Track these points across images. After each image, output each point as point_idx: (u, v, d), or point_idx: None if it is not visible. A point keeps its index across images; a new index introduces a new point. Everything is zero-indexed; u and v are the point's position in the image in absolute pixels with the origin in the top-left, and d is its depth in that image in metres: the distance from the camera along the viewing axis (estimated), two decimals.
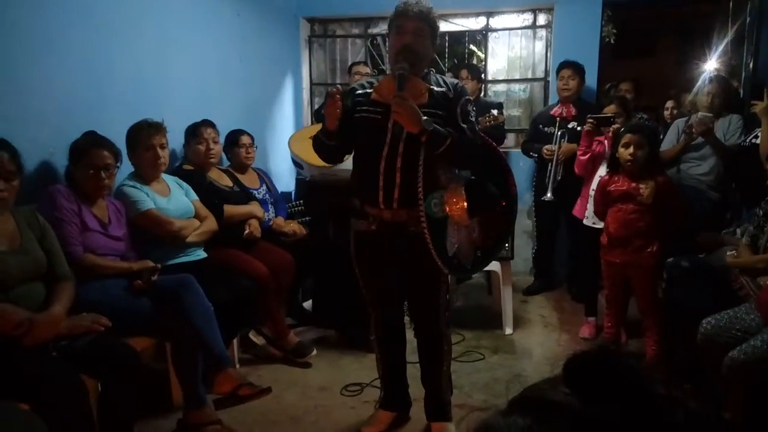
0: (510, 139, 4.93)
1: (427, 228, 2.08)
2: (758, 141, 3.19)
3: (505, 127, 4.37)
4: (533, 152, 4.11)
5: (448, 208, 2.14)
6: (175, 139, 3.11)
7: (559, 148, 3.88)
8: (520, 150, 4.50)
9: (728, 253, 2.74)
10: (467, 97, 2.27)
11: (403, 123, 2.07)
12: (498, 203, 2.31)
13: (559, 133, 3.92)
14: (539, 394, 0.57)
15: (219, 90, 3.76)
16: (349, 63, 5.04)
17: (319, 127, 4.06)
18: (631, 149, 2.87)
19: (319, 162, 3.47)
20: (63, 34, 2.53)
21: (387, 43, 2.44)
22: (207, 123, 3.19)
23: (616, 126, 3.20)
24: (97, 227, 2.38)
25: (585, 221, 3.41)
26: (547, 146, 3.94)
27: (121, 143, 2.59)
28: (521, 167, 4.58)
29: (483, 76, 4.73)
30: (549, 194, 3.88)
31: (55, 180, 2.48)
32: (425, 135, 2.05)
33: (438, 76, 2.30)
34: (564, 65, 4.01)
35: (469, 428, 0.58)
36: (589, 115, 3.33)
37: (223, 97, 3.80)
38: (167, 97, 3.20)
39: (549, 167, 3.90)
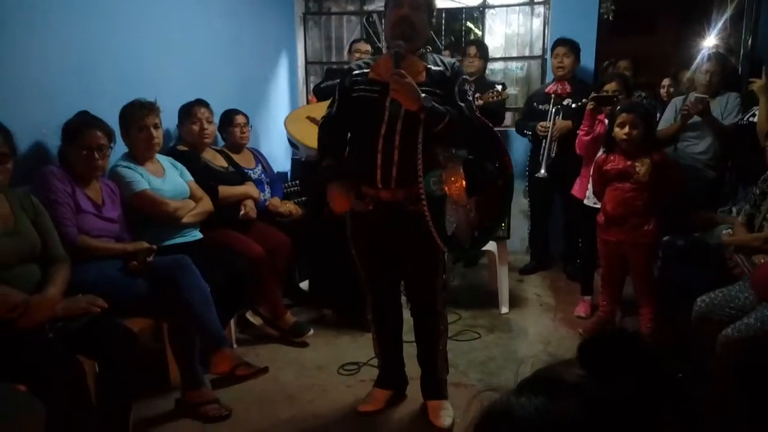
0: (507, 118, 4.89)
1: (427, 206, 2.08)
2: (756, 119, 3.18)
3: (504, 99, 4.33)
4: (527, 130, 4.09)
5: (446, 187, 2.13)
6: (169, 119, 3.09)
7: (554, 125, 3.87)
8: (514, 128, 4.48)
9: (724, 232, 2.74)
10: (465, 76, 2.26)
11: (402, 100, 2.06)
12: (495, 182, 2.30)
13: (553, 110, 3.90)
14: (552, 374, 0.58)
15: (213, 69, 3.71)
16: (345, 40, 4.99)
17: (315, 106, 4.06)
18: (626, 128, 2.86)
19: (313, 142, 3.46)
20: (54, 13, 2.49)
21: (383, 21, 2.42)
22: (201, 102, 3.16)
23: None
24: (90, 209, 2.37)
25: (586, 201, 3.40)
26: (541, 123, 3.93)
27: (114, 123, 2.56)
28: (517, 146, 4.56)
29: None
30: (543, 171, 3.88)
31: (48, 161, 2.46)
32: (424, 112, 2.04)
33: (435, 55, 2.28)
34: (558, 43, 3.97)
35: (481, 407, 0.59)
36: (591, 95, 3.30)
37: (217, 76, 3.76)
38: (160, 76, 3.16)
39: (543, 144, 3.90)
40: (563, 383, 0.56)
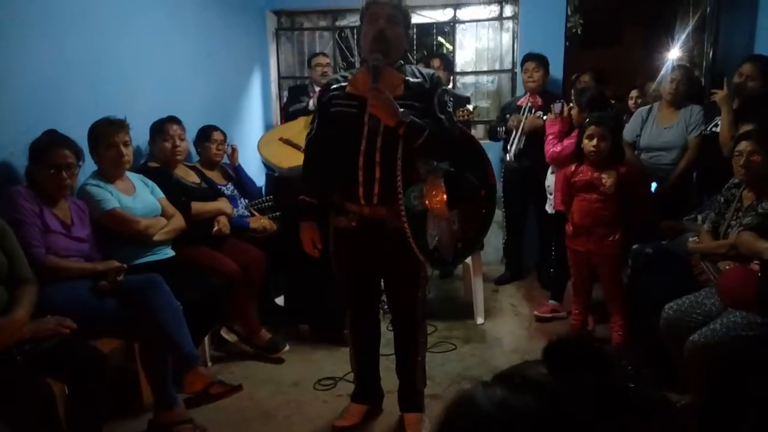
0: (479, 130, 4.96)
1: (408, 222, 2.08)
2: (718, 129, 3.26)
3: (474, 119, 4.43)
4: (500, 127, 4.14)
5: (427, 201, 2.13)
6: (140, 136, 3.07)
7: (526, 118, 3.96)
8: (487, 140, 4.54)
9: (690, 240, 2.80)
10: (444, 87, 2.27)
11: (380, 116, 2.06)
12: (477, 194, 2.32)
13: (528, 105, 3.98)
14: (518, 371, 0.63)
15: (185, 85, 3.70)
16: None
17: (287, 126, 4.08)
18: (594, 141, 2.93)
19: (290, 164, 3.48)
20: (19, 30, 2.47)
21: (356, 36, 2.44)
22: (172, 119, 3.15)
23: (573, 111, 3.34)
24: (59, 228, 2.34)
25: (547, 207, 3.52)
26: (515, 115, 4.03)
27: (83, 142, 2.54)
28: (490, 157, 4.61)
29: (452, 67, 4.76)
30: (510, 156, 3.98)
31: (16, 181, 2.42)
32: (403, 127, 2.05)
33: (413, 67, 2.29)
34: (527, 58, 4.06)
35: (452, 397, 0.64)
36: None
37: (189, 92, 3.75)
38: (131, 93, 3.13)
39: (513, 134, 4.00)
40: (526, 379, 0.61)
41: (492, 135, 4.30)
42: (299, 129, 3.69)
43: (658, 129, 3.60)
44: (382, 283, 2.47)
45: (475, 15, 4.86)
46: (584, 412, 0.56)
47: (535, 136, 3.85)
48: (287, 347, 3.20)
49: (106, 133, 2.61)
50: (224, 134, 3.57)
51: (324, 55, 4.44)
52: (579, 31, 5.55)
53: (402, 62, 2.26)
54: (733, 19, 4.32)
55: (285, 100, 4.55)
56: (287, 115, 4.22)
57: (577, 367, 0.60)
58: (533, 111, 4.00)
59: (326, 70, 4.29)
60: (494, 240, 4.66)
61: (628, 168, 3.02)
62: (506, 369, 0.65)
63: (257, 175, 4.38)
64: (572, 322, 3.33)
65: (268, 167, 3.75)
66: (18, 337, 1.93)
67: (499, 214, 4.61)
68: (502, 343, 3.39)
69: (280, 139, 3.70)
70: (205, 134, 3.52)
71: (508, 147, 4.07)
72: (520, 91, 4.51)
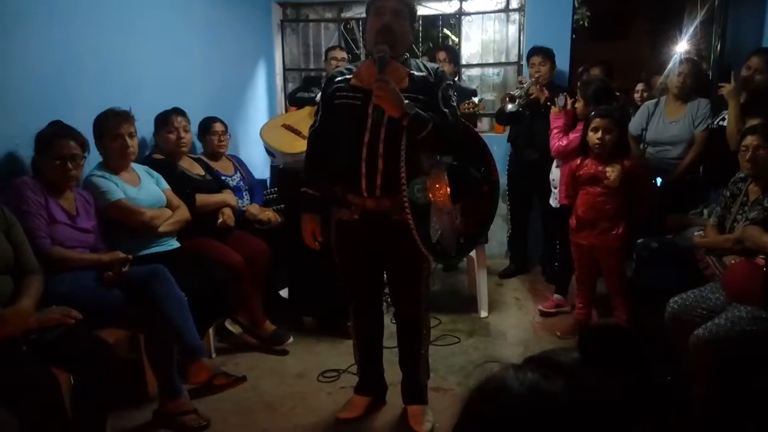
0: (485, 123, 4.95)
1: (411, 215, 2.08)
2: (725, 123, 3.24)
3: (480, 112, 4.41)
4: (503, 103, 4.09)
5: (431, 194, 2.13)
6: (145, 128, 3.07)
7: (532, 84, 3.93)
8: (493, 133, 4.53)
9: (696, 234, 2.79)
10: (448, 81, 2.27)
11: (385, 106, 2.06)
12: (481, 188, 2.32)
13: (532, 80, 3.95)
14: (551, 355, 0.64)
15: (189, 77, 3.70)
16: (322, 47, 5.02)
17: (291, 114, 4.06)
18: (599, 133, 2.92)
19: (291, 149, 3.47)
20: (27, 22, 2.47)
21: (362, 28, 2.44)
22: (177, 111, 3.15)
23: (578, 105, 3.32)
24: (64, 219, 2.35)
25: (551, 201, 3.51)
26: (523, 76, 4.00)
27: (88, 133, 2.54)
28: (494, 151, 4.59)
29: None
30: (510, 107, 3.93)
31: (21, 172, 2.43)
32: (407, 119, 2.04)
33: (418, 60, 2.29)
34: (533, 52, 4.03)
35: (482, 376, 0.64)
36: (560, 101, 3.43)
37: (194, 84, 3.75)
38: (135, 84, 3.14)
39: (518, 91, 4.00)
40: (558, 364, 0.61)
41: (500, 116, 4.24)
42: (302, 117, 3.68)
43: (664, 123, 3.58)
44: (385, 276, 2.48)
45: (481, 7, 4.84)
46: (613, 400, 0.55)
47: (545, 145, 3.66)
48: (291, 339, 3.21)
49: (111, 124, 2.62)
50: (225, 125, 3.56)
51: (341, 48, 4.41)
52: (586, 24, 5.53)
53: (407, 56, 2.25)
54: (741, 12, 4.29)
55: (298, 86, 4.52)
56: (291, 99, 4.21)
57: (611, 356, 0.60)
58: (537, 84, 3.95)
59: (341, 64, 4.27)
60: (499, 234, 4.65)
61: (632, 162, 3.01)
62: (538, 353, 0.65)
63: (262, 167, 4.38)
64: (576, 316, 3.33)
65: (270, 153, 3.74)
66: (24, 327, 1.94)
67: (503, 208, 4.61)
68: (506, 336, 3.39)
69: (283, 125, 3.69)
70: (205, 126, 3.51)
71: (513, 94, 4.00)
72: None
